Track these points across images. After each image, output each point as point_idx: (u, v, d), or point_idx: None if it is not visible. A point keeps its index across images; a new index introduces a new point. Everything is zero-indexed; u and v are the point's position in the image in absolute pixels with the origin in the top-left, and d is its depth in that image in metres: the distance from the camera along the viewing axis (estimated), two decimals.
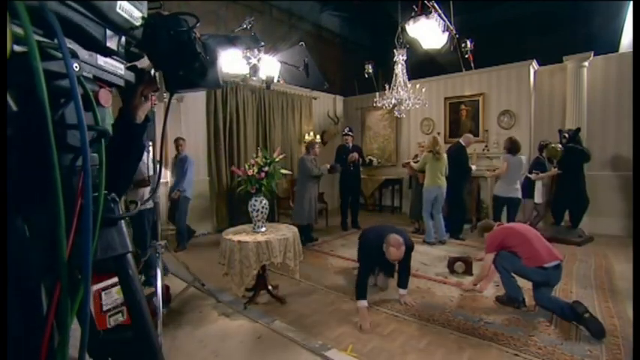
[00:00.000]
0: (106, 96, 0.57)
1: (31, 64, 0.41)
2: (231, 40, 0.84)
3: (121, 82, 0.62)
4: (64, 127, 0.50)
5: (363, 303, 2.73)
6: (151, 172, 3.12)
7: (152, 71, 0.72)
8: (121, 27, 0.56)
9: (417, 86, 5.50)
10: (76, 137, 0.51)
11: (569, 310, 2.53)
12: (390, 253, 2.76)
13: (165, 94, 0.78)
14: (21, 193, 0.47)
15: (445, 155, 4.97)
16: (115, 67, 0.60)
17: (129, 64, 0.65)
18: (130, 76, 0.66)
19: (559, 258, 2.76)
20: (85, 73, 0.52)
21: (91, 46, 0.53)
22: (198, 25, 0.67)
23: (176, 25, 0.65)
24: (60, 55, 0.46)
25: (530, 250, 2.78)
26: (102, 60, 0.57)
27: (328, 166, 5.37)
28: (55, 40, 0.45)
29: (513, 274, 2.90)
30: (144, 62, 0.70)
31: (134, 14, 0.58)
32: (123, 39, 0.59)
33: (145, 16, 0.61)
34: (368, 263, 2.95)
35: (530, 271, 2.76)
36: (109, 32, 0.55)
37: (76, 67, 0.48)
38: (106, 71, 0.58)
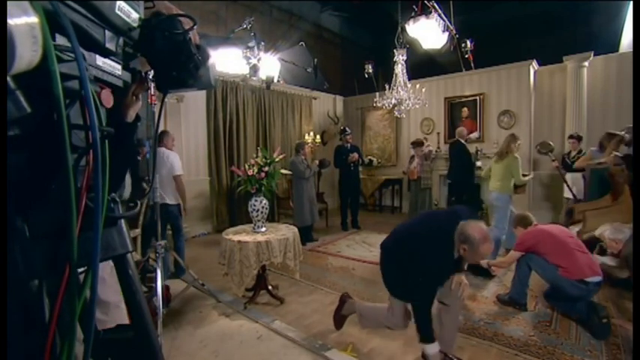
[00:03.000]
0: (107, 97, 0.57)
1: (49, 68, 0.41)
2: (223, 41, 0.86)
3: (119, 83, 0.62)
4: (70, 128, 0.50)
5: (436, 348, 1.92)
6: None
7: (143, 71, 0.73)
8: (119, 28, 0.56)
9: (417, 86, 5.50)
10: (79, 137, 0.51)
11: (587, 307, 2.42)
12: (483, 250, 1.84)
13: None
14: (23, 193, 0.47)
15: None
16: (113, 67, 0.60)
17: (123, 65, 0.65)
18: (127, 77, 0.66)
19: (600, 273, 2.48)
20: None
21: (92, 47, 0.54)
22: (195, 27, 0.67)
23: (171, 26, 0.65)
24: (67, 57, 0.46)
25: (570, 260, 2.49)
26: (100, 60, 0.57)
27: (317, 162, 5.36)
28: (58, 41, 0.45)
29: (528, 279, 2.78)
30: (136, 62, 0.70)
31: (132, 16, 0.58)
32: (121, 40, 0.59)
33: (142, 17, 0.61)
34: (435, 283, 1.96)
35: (567, 284, 2.50)
36: (108, 33, 0.55)
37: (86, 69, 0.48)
38: (105, 72, 0.58)
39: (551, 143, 5.28)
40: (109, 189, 0.70)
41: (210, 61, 0.77)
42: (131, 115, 0.74)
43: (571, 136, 4.94)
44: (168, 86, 0.73)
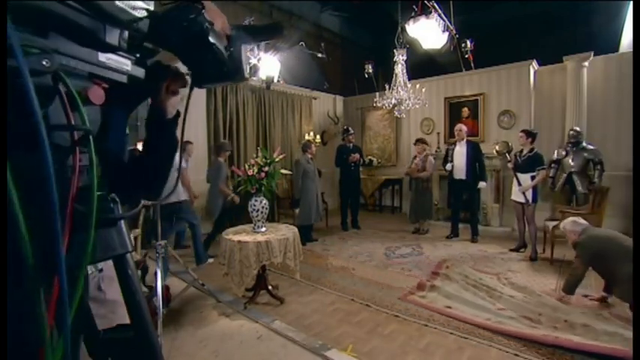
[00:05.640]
0: (96, 93, 0.54)
1: (16, 64, 0.39)
2: (252, 32, 0.80)
3: (123, 79, 0.59)
4: (49, 128, 0.47)
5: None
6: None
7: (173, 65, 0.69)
8: (121, 21, 0.54)
9: (417, 86, 5.50)
10: (63, 137, 0.50)
11: None
12: None
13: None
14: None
15: None
16: (120, 63, 0.58)
17: (133, 59, 0.62)
18: (139, 72, 0.63)
19: None
20: (78, 70, 0.51)
21: (89, 42, 0.52)
22: (204, 11, 0.62)
23: (184, 16, 0.59)
24: (35, 52, 0.44)
25: None
26: (103, 57, 0.55)
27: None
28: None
29: None
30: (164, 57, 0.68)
31: (137, 6, 0.55)
32: (126, 33, 0.57)
33: (149, 7, 0.58)
34: None
35: None
36: (109, 27, 0.53)
37: (46, 62, 0.45)
38: (109, 68, 0.56)
39: (509, 143, 5.45)
40: (152, 189, 0.69)
41: (243, 51, 0.72)
42: (170, 112, 0.72)
43: (522, 130, 4.52)
44: (196, 81, 0.69)
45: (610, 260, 2.68)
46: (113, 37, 0.54)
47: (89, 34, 0.51)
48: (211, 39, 0.61)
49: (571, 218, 3.21)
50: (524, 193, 4.28)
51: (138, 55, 0.63)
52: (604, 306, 2.89)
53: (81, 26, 0.50)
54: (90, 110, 0.54)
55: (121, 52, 0.57)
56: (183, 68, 0.70)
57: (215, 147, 4.97)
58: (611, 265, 2.66)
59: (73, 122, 0.50)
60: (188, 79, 0.70)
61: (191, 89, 0.70)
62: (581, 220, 3.11)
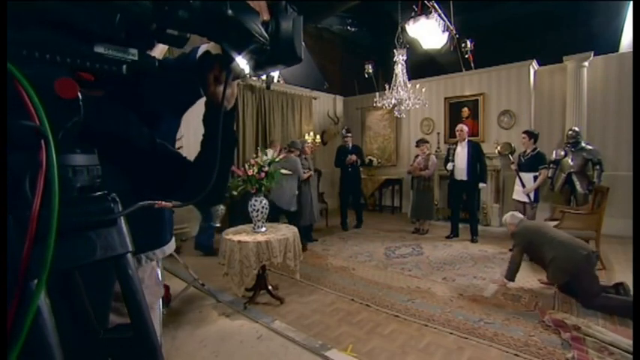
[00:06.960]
0: (66, 86, 0.47)
1: None
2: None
3: (122, 69, 0.53)
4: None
5: None
6: None
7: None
8: (117, 5, 0.48)
9: (417, 86, 5.50)
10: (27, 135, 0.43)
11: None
12: None
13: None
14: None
15: None
16: (125, 52, 0.53)
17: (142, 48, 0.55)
18: (148, 62, 0.56)
19: None
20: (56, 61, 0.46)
21: (78, 33, 0.48)
22: None
23: None
24: None
25: None
26: (102, 47, 0.50)
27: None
28: None
29: None
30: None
31: None
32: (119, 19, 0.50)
33: None
34: None
35: None
36: (101, 14, 0.48)
37: None
38: (107, 59, 0.51)
39: (512, 144, 5.56)
40: (215, 187, 0.63)
41: (297, 27, 0.62)
42: (218, 102, 0.66)
43: (525, 132, 4.64)
44: (234, 66, 0.61)
45: (538, 247, 3.05)
46: (105, 25, 0.48)
47: (76, 23, 0.47)
48: (232, 12, 0.51)
49: (510, 212, 3.55)
50: (527, 195, 4.34)
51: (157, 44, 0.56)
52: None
53: (67, 16, 0.45)
54: (89, 101, 0.50)
55: (120, 41, 0.51)
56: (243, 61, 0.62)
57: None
58: (540, 252, 3.04)
59: (38, 118, 0.43)
60: (240, 67, 0.62)
61: (227, 76, 0.62)
62: (519, 214, 3.48)
